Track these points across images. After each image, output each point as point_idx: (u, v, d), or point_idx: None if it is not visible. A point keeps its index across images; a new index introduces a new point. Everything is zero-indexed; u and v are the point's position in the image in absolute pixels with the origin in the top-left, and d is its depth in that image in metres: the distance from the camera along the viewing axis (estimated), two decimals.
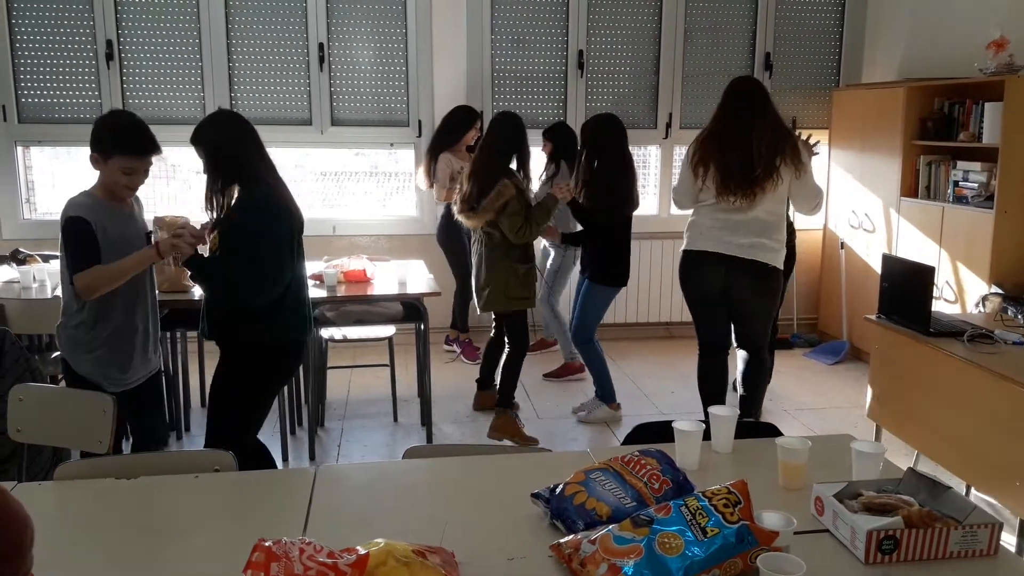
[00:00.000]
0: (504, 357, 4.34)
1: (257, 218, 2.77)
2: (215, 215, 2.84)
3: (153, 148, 2.72)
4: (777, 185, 3.54)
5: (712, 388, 3.95)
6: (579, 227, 4.50)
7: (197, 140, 2.84)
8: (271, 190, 2.84)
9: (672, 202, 3.97)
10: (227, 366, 2.90)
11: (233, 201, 2.84)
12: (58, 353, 4.08)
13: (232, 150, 2.83)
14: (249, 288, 2.75)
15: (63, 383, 3.99)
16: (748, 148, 3.52)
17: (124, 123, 2.75)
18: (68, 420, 2.45)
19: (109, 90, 5.48)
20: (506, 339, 4.33)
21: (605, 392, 4.58)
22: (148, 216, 3.04)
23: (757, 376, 3.90)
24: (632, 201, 4.37)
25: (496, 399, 4.34)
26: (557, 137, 4.97)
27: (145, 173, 2.77)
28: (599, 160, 4.31)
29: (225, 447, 2.92)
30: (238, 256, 2.74)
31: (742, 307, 3.78)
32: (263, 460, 3.06)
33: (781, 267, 3.74)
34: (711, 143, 3.63)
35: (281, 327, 2.90)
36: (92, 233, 2.63)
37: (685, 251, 3.82)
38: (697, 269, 3.78)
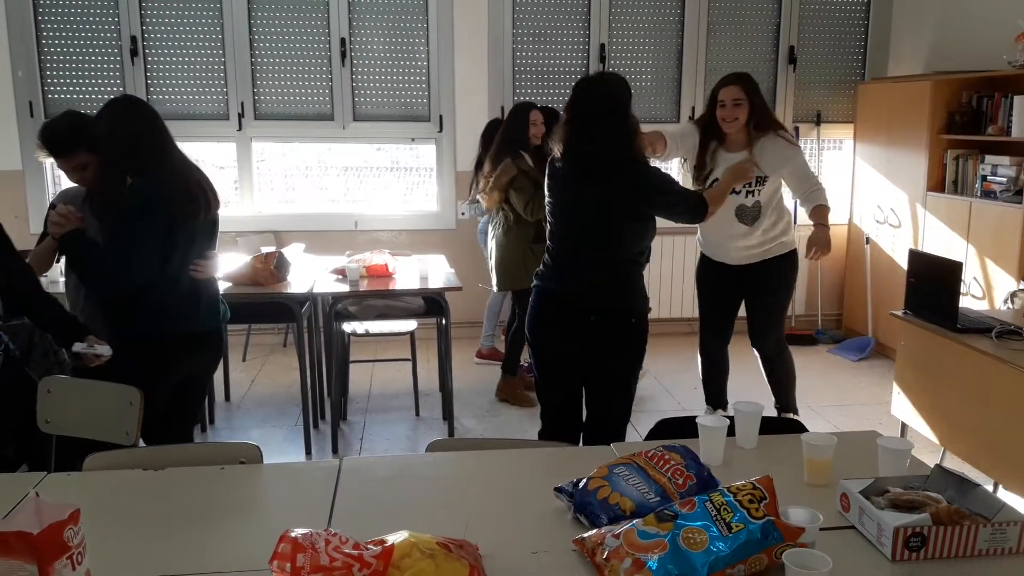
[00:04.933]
0: (513, 327, 4.60)
1: (135, 208, 2.60)
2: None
3: (44, 151, 2.78)
4: None
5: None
6: None
7: (90, 136, 2.70)
8: (160, 180, 2.63)
9: None
10: (116, 358, 2.66)
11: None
12: None
13: (125, 138, 2.64)
14: (111, 275, 2.62)
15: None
16: None
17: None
18: (96, 412, 2.47)
19: (134, 86, 5.53)
20: (516, 311, 4.63)
21: None
22: None
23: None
24: None
25: (503, 364, 4.68)
26: None
27: (73, 171, 2.78)
28: None
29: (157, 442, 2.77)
30: (110, 243, 2.62)
31: None
32: None
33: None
34: None
35: (165, 320, 2.72)
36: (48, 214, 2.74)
37: None
38: None
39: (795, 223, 3.95)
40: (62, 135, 2.74)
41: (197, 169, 2.78)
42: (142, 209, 2.61)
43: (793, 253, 3.85)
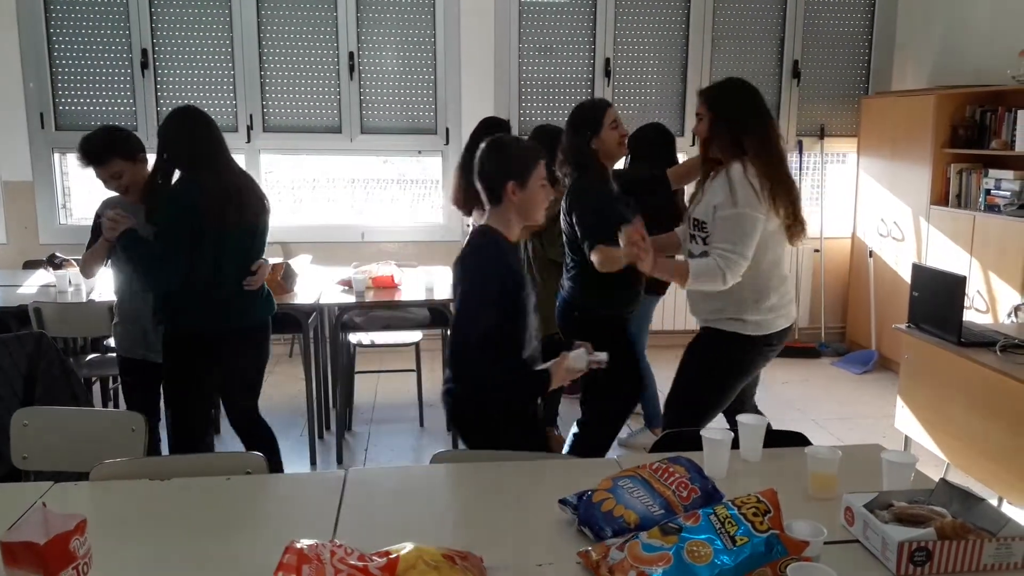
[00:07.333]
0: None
1: (167, 208, 2.90)
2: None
3: (83, 161, 3.08)
4: None
5: None
6: None
7: (124, 147, 3.08)
8: (195, 184, 2.89)
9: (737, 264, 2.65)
10: (169, 351, 3.07)
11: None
12: (92, 356, 4.18)
13: (174, 143, 2.96)
14: (148, 271, 2.94)
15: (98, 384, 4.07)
16: None
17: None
18: (87, 442, 2.31)
19: (144, 98, 5.57)
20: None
21: (650, 415, 4.28)
22: None
23: None
24: None
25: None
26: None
27: (111, 179, 3.09)
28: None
29: (180, 447, 3.04)
30: (152, 240, 2.92)
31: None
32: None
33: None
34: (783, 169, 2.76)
35: (185, 319, 2.98)
36: (96, 223, 3.11)
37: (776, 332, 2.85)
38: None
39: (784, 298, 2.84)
40: (97, 146, 3.04)
41: (241, 177, 3.02)
42: (169, 212, 2.88)
43: (738, 340, 2.78)
